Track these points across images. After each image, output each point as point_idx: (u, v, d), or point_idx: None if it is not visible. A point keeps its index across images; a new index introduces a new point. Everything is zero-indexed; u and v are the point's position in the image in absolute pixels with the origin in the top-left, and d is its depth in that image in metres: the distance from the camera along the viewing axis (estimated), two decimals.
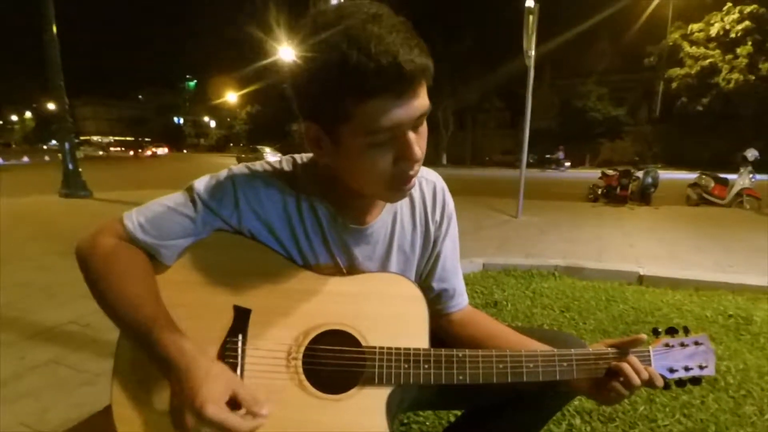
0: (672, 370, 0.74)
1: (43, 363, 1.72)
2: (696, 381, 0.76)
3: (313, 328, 0.69)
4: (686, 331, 0.77)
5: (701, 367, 0.76)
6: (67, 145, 7.22)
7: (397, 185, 0.64)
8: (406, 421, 1.34)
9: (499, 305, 2.39)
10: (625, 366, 0.70)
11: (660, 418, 1.37)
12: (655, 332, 0.78)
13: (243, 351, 0.68)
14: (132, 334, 0.64)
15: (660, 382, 0.72)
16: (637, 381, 0.69)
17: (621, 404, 1.43)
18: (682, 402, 1.45)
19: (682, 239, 4.35)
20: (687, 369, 0.75)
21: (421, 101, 0.58)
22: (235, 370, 0.66)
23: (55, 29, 6.84)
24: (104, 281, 0.65)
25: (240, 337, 0.68)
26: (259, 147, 30.84)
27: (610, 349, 0.73)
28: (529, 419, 0.93)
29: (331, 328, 0.69)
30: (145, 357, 0.62)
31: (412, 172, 0.63)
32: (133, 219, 0.69)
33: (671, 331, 0.77)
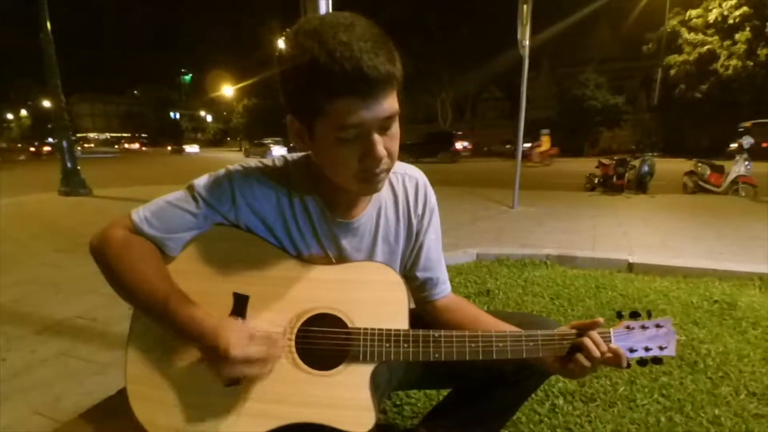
0: (632, 350, 0.81)
1: (54, 355, 1.80)
2: (657, 360, 0.82)
3: (304, 311, 0.76)
4: (649, 314, 0.83)
5: (661, 348, 0.82)
6: (65, 144, 7.26)
7: (365, 179, 0.70)
8: (398, 402, 1.42)
9: (491, 294, 2.47)
10: (586, 340, 0.77)
11: (639, 398, 1.44)
12: (619, 315, 0.84)
13: None
14: (148, 310, 0.72)
15: (624, 359, 0.79)
16: (597, 353, 0.77)
17: (602, 385, 1.51)
18: (662, 383, 1.53)
19: (676, 227, 4.42)
20: (647, 349, 0.81)
21: (387, 105, 0.64)
22: None
23: (50, 27, 6.85)
24: (120, 266, 0.72)
25: (239, 320, 0.75)
26: (185, 145, 47.23)
27: (573, 330, 0.80)
28: (510, 396, 1.01)
29: (321, 311, 0.76)
30: (158, 337, 0.71)
31: (377, 170, 0.69)
32: (140, 214, 0.76)
33: (634, 315, 0.83)
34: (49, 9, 6.81)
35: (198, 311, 0.69)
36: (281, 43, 0.70)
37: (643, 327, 0.82)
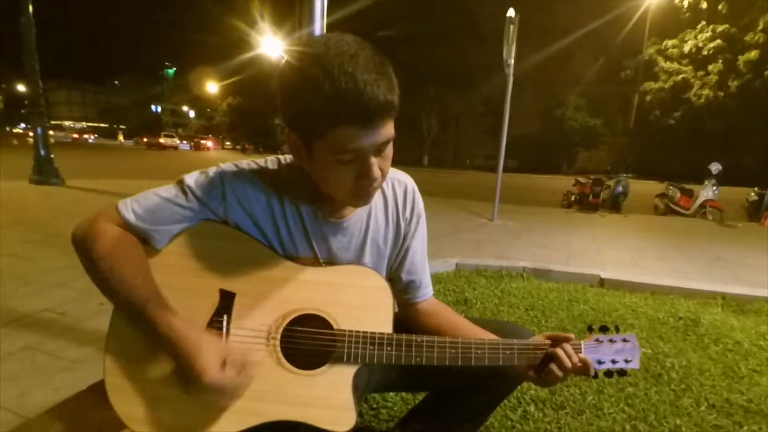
0: (600, 362, 0.86)
1: (20, 349, 1.73)
2: (622, 373, 0.87)
3: (291, 312, 0.78)
4: (617, 329, 0.89)
5: (627, 361, 0.87)
6: (39, 131, 6.99)
7: (358, 194, 0.74)
8: (375, 406, 1.43)
9: (469, 303, 2.52)
10: (559, 351, 0.82)
11: (606, 407, 1.50)
12: (590, 329, 0.89)
13: (227, 330, 0.75)
14: (127, 311, 0.71)
15: (592, 369, 0.84)
16: (568, 364, 0.81)
17: (572, 393, 1.56)
18: (627, 393, 1.59)
19: (647, 247, 4.59)
20: (613, 362, 0.87)
21: (385, 132, 0.67)
22: None
23: (31, 11, 6.64)
24: (103, 263, 0.71)
25: (225, 317, 0.75)
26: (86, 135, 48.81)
27: (546, 340, 0.85)
28: (484, 401, 1.04)
29: (307, 312, 0.78)
30: (138, 331, 0.70)
31: (371, 189, 0.73)
32: (128, 206, 0.76)
33: (603, 329, 0.88)
34: None
35: (176, 319, 0.69)
36: (280, 60, 0.70)
37: (611, 341, 0.87)
